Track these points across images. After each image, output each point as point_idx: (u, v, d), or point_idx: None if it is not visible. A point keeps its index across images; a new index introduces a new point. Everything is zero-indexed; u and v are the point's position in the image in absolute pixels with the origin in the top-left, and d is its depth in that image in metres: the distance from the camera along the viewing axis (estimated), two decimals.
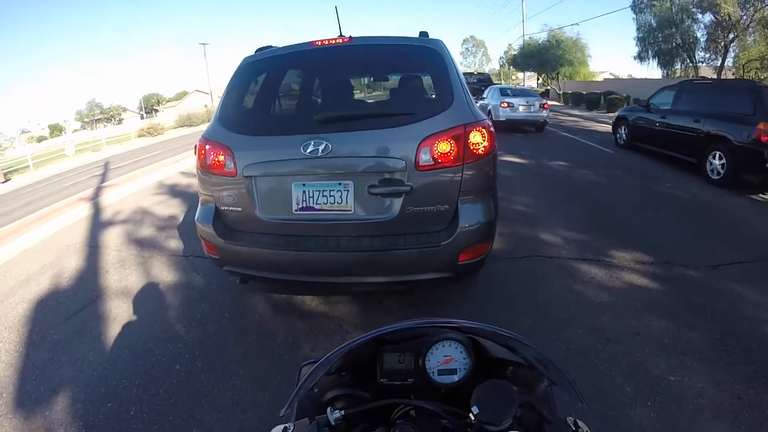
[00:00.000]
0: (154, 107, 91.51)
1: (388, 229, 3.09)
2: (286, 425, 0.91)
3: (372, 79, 7.16)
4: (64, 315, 4.04)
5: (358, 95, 10.53)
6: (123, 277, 4.74)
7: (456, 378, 0.99)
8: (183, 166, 12.25)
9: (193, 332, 3.62)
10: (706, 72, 32.50)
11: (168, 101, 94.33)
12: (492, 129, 3.19)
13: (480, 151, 3.06)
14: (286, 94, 4.28)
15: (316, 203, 3.10)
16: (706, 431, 2.57)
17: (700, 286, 4.23)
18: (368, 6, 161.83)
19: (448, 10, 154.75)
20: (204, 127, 3.58)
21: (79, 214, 7.43)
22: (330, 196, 3.08)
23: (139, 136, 30.69)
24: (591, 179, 8.97)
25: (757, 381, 2.96)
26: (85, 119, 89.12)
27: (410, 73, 4.01)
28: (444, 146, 2.97)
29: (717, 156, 8.46)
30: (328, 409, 0.88)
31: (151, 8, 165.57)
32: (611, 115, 24.03)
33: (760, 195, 7.70)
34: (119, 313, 4.03)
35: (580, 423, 0.90)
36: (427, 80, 3.84)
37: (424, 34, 3.79)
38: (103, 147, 25.85)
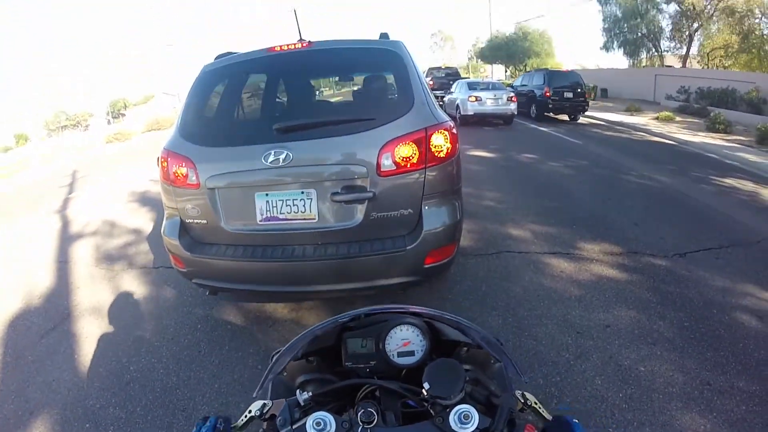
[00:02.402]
0: (121, 111, 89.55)
1: (353, 236, 3.12)
2: (265, 401, 0.98)
3: (337, 79, 7.20)
4: (36, 335, 3.98)
5: (326, 93, 10.59)
6: (94, 293, 4.67)
7: (414, 359, 1.09)
8: (152, 174, 11.94)
9: (166, 346, 3.62)
10: (671, 60, 33.59)
11: (135, 105, 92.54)
12: (455, 130, 3.25)
13: (442, 153, 3.11)
14: (246, 103, 4.26)
15: (280, 213, 3.13)
16: (678, 419, 2.66)
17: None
18: (332, 3, 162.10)
19: (417, 5, 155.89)
20: (172, 130, 3.57)
21: (48, 228, 7.27)
22: (293, 205, 3.11)
23: (108, 142, 30.03)
24: (559, 171, 9.17)
25: (727, 367, 3.08)
26: (51, 127, 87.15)
27: (371, 76, 4.05)
28: (405, 150, 3.01)
29: (532, 106, 18.85)
30: (297, 391, 0.97)
31: (117, 9, 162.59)
32: None
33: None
34: (92, 330, 3.99)
35: (527, 395, 0.98)
36: (387, 83, 3.89)
37: (384, 35, 3.84)
38: (71, 155, 25.30)
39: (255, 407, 0.98)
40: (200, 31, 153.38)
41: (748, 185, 8.18)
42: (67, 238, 6.64)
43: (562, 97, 17.83)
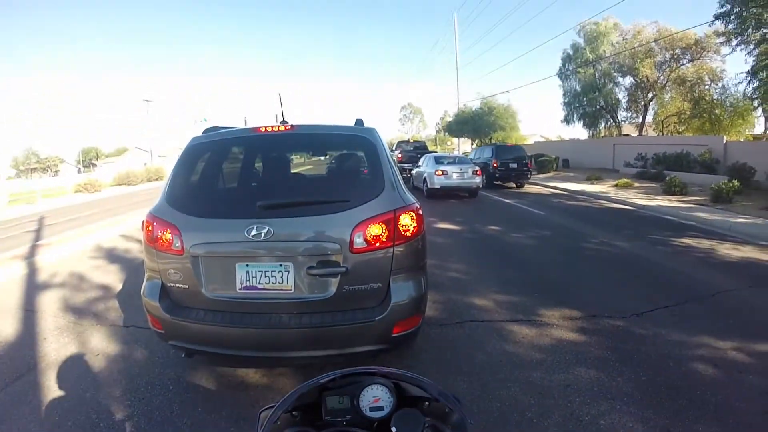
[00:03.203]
0: (93, 161, 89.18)
1: (326, 307, 3.36)
2: None
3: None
4: (1, 383, 3.94)
5: (297, 160, 10.96)
6: (62, 346, 4.64)
7: (383, 413, 1.28)
8: (122, 229, 12.05)
9: (137, 405, 3.62)
10: (629, 129, 35.44)
11: (107, 156, 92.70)
12: (420, 211, 3.61)
13: (409, 232, 3.44)
14: (231, 177, 4.57)
15: (259, 283, 3.36)
16: None
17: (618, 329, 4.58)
18: (310, 75, 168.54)
19: (388, 76, 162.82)
20: (142, 187, 3.80)
21: (14, 274, 7.20)
22: (272, 276, 3.36)
23: (76, 191, 29.61)
24: (522, 242, 9.51)
25: (686, 414, 3.28)
26: (21, 167, 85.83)
27: (346, 159, 4.48)
28: (376, 230, 3.33)
29: (483, 176, 18.85)
30: None
31: (93, 58, 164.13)
32: (542, 176, 25.54)
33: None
34: (59, 383, 3.95)
35: None
36: (361, 166, 4.27)
37: (359, 122, 4.28)
38: (38, 199, 24.83)
39: None
40: (179, 91, 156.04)
41: (703, 242, 8.66)
42: (34, 286, 6.59)
43: (507, 167, 20.87)
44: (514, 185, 21.67)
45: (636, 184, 18.73)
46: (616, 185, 18.84)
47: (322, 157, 8.05)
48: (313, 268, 3.29)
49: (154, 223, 3.56)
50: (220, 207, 3.76)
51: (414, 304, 3.46)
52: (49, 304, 5.97)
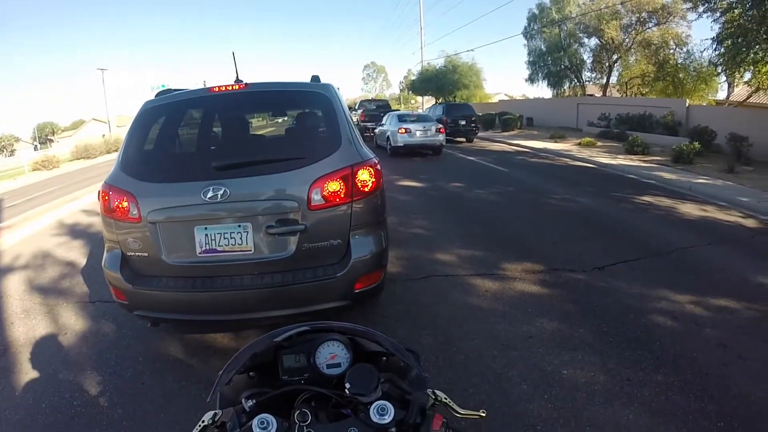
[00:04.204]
0: (49, 137, 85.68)
1: (286, 266, 3.37)
2: (216, 411, 1.15)
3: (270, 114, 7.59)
4: None
5: (258, 122, 10.81)
6: (30, 329, 4.55)
7: (340, 370, 1.27)
8: (83, 204, 11.72)
9: (109, 380, 3.61)
10: (593, 90, 35.81)
11: (64, 130, 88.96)
12: (378, 167, 3.59)
13: (367, 188, 3.45)
14: (186, 140, 4.48)
15: (218, 245, 3.34)
16: (601, 413, 2.93)
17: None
18: (269, 38, 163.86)
19: (350, 36, 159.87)
20: (102, 160, 3.67)
21: None
22: (231, 237, 3.33)
23: (34, 169, 28.78)
24: (485, 198, 9.63)
25: (645, 363, 3.42)
26: None
27: (302, 116, 4.43)
28: (333, 186, 3.33)
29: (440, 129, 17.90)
30: (242, 399, 1.14)
31: (44, 31, 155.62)
32: (506, 134, 25.72)
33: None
34: (30, 366, 3.90)
35: (438, 392, 1.19)
36: (317, 123, 4.21)
37: (315, 78, 4.20)
38: None
39: (207, 417, 1.13)
40: (134, 59, 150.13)
41: (664, 201, 8.90)
42: None
43: (457, 124, 22.54)
44: (465, 140, 23.24)
45: (599, 144, 19.02)
46: (579, 144, 19.08)
47: (283, 119, 7.96)
48: (271, 227, 3.30)
49: (110, 193, 3.47)
50: (176, 171, 3.70)
51: (375, 259, 3.48)
52: (14, 287, 5.81)
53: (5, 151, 79.66)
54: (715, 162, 13.36)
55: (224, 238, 3.33)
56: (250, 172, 3.38)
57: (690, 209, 8.28)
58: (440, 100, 39.22)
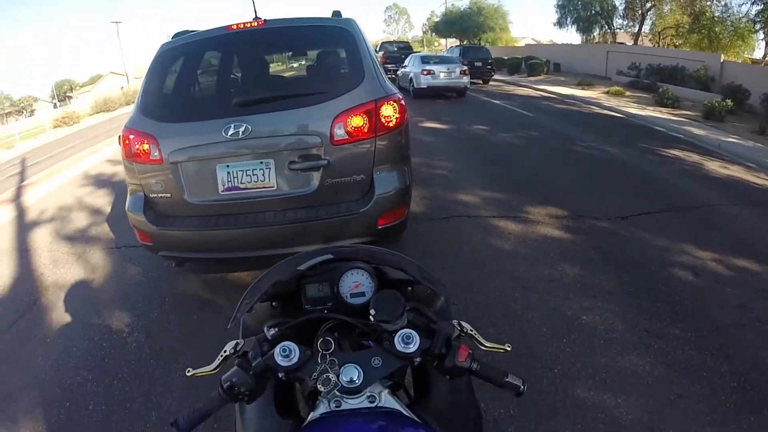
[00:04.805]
0: (68, 94, 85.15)
1: (309, 201, 3.37)
2: (238, 341, 1.14)
3: (290, 53, 7.41)
4: (5, 325, 3.93)
5: (277, 67, 10.68)
6: (59, 277, 4.64)
7: (364, 299, 1.24)
8: (106, 154, 11.74)
9: (136, 321, 3.71)
10: (624, 38, 34.54)
11: (82, 86, 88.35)
12: (403, 102, 3.49)
13: (391, 123, 3.36)
14: (205, 79, 4.40)
15: (241, 182, 3.33)
16: (618, 361, 2.93)
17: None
18: None
19: None
20: (121, 112, 3.65)
21: (3, 218, 7.02)
22: (253, 174, 3.32)
23: (55, 126, 29.11)
24: (510, 141, 9.46)
25: (664, 316, 3.38)
26: None
27: (323, 52, 4.29)
28: (356, 121, 3.26)
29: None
30: (265, 328, 1.11)
31: None
32: (532, 79, 25.13)
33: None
34: (60, 313, 4.00)
35: (464, 323, 1.15)
36: (339, 58, 4.08)
37: (336, 13, 4.05)
38: (17, 143, 24.28)
39: (229, 347, 1.12)
40: (149, 9, 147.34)
41: (692, 156, 8.66)
42: (25, 227, 6.49)
43: (473, 66, 21.80)
44: (481, 81, 23.47)
45: (627, 93, 18.43)
46: (607, 92, 18.50)
47: (301, 63, 7.79)
48: (294, 162, 3.27)
49: (131, 136, 3.46)
50: (196, 110, 3.66)
51: (398, 195, 3.45)
52: (41, 240, 5.85)
53: (25, 112, 79.83)
54: (747, 122, 12.89)
55: (246, 176, 3.32)
56: (271, 107, 3.34)
57: (717, 167, 8.04)
58: (465, 43, 38.27)
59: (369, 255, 1.30)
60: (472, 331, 1.15)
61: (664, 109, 14.76)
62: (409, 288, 1.30)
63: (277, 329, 1.10)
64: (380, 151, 3.35)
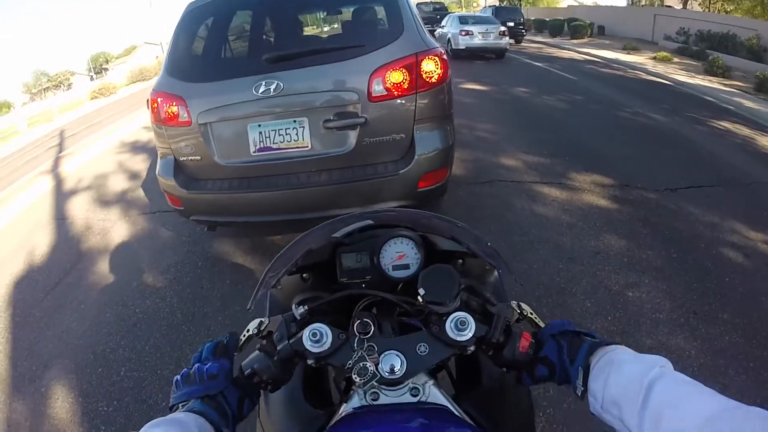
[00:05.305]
0: (104, 66, 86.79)
1: (346, 162, 3.20)
2: (262, 319, 1.00)
3: (324, 13, 7.12)
4: (42, 292, 4.02)
5: (311, 30, 10.46)
6: (94, 244, 4.71)
7: (409, 272, 1.08)
8: (142, 121, 11.70)
9: (169, 286, 3.73)
10: (672, 1, 33.03)
11: (117, 58, 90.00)
12: (445, 57, 3.26)
13: (433, 78, 3.13)
14: (234, 37, 4.22)
15: (273, 143, 3.18)
16: (664, 344, 2.78)
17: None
18: None
19: None
20: (161, 71, 3.52)
21: (42, 189, 7.14)
22: (286, 134, 3.16)
23: (92, 98, 29.45)
24: (553, 104, 9.15)
25: (712, 298, 3.20)
26: (33, 90, 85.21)
27: (360, 8, 4.05)
28: (396, 76, 3.05)
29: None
30: (293, 305, 0.96)
31: None
32: (575, 41, 24.35)
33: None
34: (95, 279, 4.06)
35: (523, 305, 0.99)
36: (377, 13, 3.90)
37: None
38: (56, 116, 24.60)
39: (252, 326, 0.99)
40: None
41: (743, 130, 8.21)
42: (62, 197, 6.57)
43: (505, 26, 19.78)
44: (513, 41, 22.28)
45: (675, 60, 17.59)
46: (654, 58, 17.69)
47: (337, 25, 7.50)
48: (329, 120, 3.09)
49: (159, 99, 3.33)
50: (224, 68, 3.52)
51: (440, 156, 3.25)
52: (78, 208, 5.88)
53: (62, 86, 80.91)
54: None
55: (279, 135, 3.17)
56: (304, 63, 3.15)
57: None
58: (504, 3, 37.22)
59: (415, 221, 1.15)
60: (532, 314, 0.99)
61: (713, 79, 14.05)
62: (460, 261, 1.16)
63: (306, 307, 0.95)
64: (421, 109, 3.14)
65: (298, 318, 0.93)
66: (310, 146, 3.16)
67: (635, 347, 2.22)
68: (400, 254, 1.09)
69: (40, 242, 5.03)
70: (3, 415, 2.78)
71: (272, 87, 3.04)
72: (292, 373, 0.94)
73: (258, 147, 3.19)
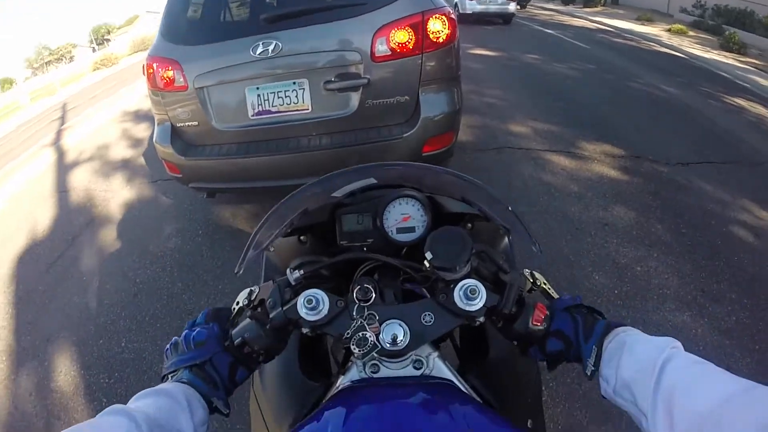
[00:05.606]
0: (106, 37, 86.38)
1: (348, 125, 3.10)
2: (252, 288, 0.94)
3: None
4: (44, 265, 4.01)
5: None
6: (95, 215, 4.70)
7: (415, 235, 1.03)
8: (144, 90, 11.57)
9: (169, 255, 3.74)
10: None
11: (119, 28, 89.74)
12: (453, 16, 3.09)
13: (440, 39, 2.98)
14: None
15: (272, 105, 3.09)
16: (670, 321, 2.72)
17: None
18: None
19: None
20: (155, 36, 3.38)
21: (44, 163, 7.13)
22: (286, 96, 3.06)
23: (94, 69, 29.34)
24: (563, 72, 8.95)
25: (722, 277, 3.12)
26: (35, 64, 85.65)
27: None
28: (401, 35, 2.90)
29: None
30: (288, 270, 0.88)
31: None
32: (588, 10, 23.86)
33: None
34: (96, 251, 4.07)
35: (536, 274, 0.93)
36: None
37: None
38: (58, 89, 24.36)
39: (242, 296, 0.92)
40: None
41: (758, 108, 8.00)
42: (64, 169, 6.52)
43: None
44: (519, 6, 21.47)
45: (691, 33, 17.17)
46: (668, 30, 17.23)
47: None
48: (330, 82, 2.96)
49: (154, 64, 3.23)
50: (220, 29, 3.35)
51: (447, 119, 3.11)
52: (81, 180, 5.82)
53: (65, 59, 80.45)
54: None
55: (278, 98, 3.06)
56: (303, 21, 3.01)
57: None
58: None
59: (421, 180, 1.07)
60: (545, 284, 0.91)
61: (729, 54, 13.74)
62: (469, 225, 1.09)
63: (301, 272, 0.87)
64: (427, 70, 3.00)
65: (293, 283, 0.86)
66: (310, 109, 3.06)
67: (642, 323, 2.16)
68: (405, 216, 1.04)
69: (42, 215, 5.01)
70: (7, 390, 2.79)
71: (270, 48, 2.93)
72: (286, 343, 0.87)
73: (256, 110, 3.11)
